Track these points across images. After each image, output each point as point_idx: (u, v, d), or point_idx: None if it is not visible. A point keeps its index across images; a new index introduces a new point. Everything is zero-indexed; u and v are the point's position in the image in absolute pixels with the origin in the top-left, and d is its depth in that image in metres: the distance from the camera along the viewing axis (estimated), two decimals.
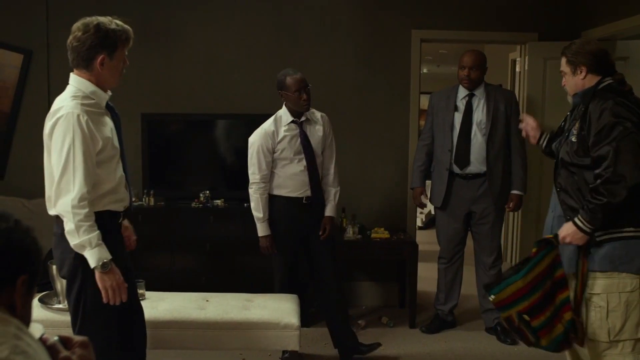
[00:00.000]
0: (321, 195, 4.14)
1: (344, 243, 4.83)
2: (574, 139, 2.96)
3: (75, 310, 2.75)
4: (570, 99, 3.13)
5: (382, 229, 5.00)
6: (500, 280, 2.94)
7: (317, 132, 4.09)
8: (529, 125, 3.39)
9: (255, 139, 4.00)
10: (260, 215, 4.00)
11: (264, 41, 5.25)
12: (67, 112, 2.57)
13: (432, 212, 9.27)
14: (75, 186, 2.56)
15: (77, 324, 2.75)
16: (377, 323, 4.92)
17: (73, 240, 2.57)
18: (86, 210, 2.56)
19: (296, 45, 5.24)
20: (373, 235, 4.93)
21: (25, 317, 1.31)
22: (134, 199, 4.90)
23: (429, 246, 7.37)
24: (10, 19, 5.17)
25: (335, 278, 4.16)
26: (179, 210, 5.02)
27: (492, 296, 2.91)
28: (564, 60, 3.09)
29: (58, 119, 2.58)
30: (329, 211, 4.16)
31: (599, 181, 2.82)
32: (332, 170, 4.17)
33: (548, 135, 3.33)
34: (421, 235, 6.94)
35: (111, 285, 2.61)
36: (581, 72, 3.00)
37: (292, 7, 5.25)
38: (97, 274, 2.60)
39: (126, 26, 2.73)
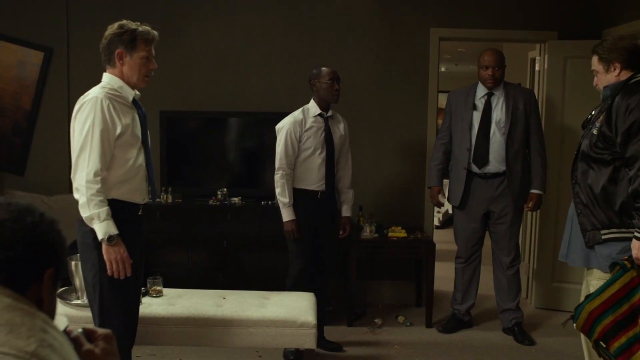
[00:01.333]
0: (333, 192, 4.27)
1: (361, 242, 4.82)
2: (595, 131, 2.94)
3: (93, 296, 2.89)
4: (601, 97, 3.10)
5: (399, 227, 4.98)
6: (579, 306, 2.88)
7: (339, 130, 4.28)
8: None
9: (284, 125, 4.13)
10: (286, 200, 4.09)
11: (281, 40, 5.25)
12: (91, 97, 2.81)
13: (450, 212, 9.25)
14: (90, 162, 2.74)
15: (97, 309, 2.89)
16: (393, 322, 4.91)
17: (84, 213, 2.75)
18: (99, 185, 2.74)
19: (314, 44, 5.24)
20: (390, 234, 4.91)
21: (50, 311, 1.32)
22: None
23: (446, 245, 7.34)
24: (31, 17, 5.22)
25: (329, 276, 4.38)
26: (196, 207, 5.04)
27: (574, 324, 2.85)
28: (595, 58, 3.04)
29: (83, 103, 2.81)
30: (347, 211, 4.38)
31: (636, 183, 2.79)
32: (349, 173, 4.38)
33: None
34: (438, 234, 6.90)
35: (115, 258, 2.77)
36: (615, 69, 2.97)
37: (310, 6, 5.24)
38: (103, 246, 2.77)
39: (151, 30, 2.93)
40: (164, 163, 5.15)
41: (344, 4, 5.25)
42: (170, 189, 5.05)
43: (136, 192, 2.95)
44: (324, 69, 4.17)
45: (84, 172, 2.74)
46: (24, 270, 1.27)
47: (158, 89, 5.18)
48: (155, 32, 2.95)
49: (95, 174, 2.73)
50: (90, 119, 2.76)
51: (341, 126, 4.31)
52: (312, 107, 4.18)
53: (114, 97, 2.83)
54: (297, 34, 5.26)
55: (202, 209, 5.01)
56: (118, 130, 2.81)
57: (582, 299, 3.20)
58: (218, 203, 5.00)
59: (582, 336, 3.18)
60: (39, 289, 1.29)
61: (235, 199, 5.03)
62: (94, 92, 2.83)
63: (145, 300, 3.57)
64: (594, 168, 2.97)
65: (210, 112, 5.24)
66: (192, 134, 5.36)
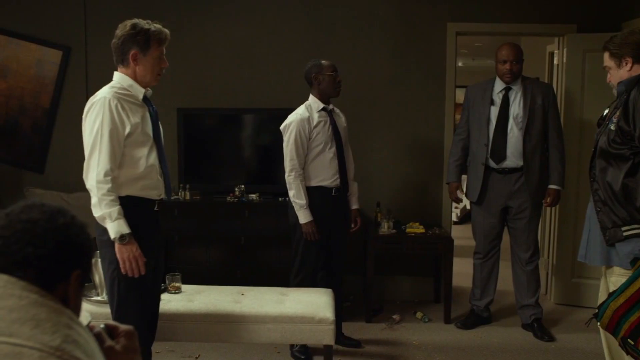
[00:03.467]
0: (347, 186, 4.24)
1: (379, 238, 4.81)
2: (612, 127, 2.91)
3: (111, 291, 2.95)
4: (616, 93, 3.07)
5: (417, 223, 4.97)
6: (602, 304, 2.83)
7: (342, 122, 4.26)
8: None
9: (291, 126, 4.04)
10: (303, 202, 4.01)
11: (298, 36, 5.25)
12: (100, 97, 2.83)
13: (468, 207, 9.20)
14: (100, 163, 2.77)
15: (114, 305, 2.94)
16: (411, 318, 4.90)
17: (96, 213, 2.79)
18: (109, 185, 2.78)
19: (331, 39, 5.23)
20: (408, 230, 4.90)
21: (76, 310, 1.35)
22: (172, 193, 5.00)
23: (464, 241, 7.30)
24: (49, 16, 5.27)
25: (341, 272, 4.35)
26: (215, 204, 5.06)
27: (599, 322, 2.82)
28: (606, 54, 3.02)
29: (93, 104, 2.84)
30: (355, 204, 4.36)
31: None
32: (352, 165, 4.35)
33: None
34: (456, 230, 6.88)
35: (128, 257, 2.81)
36: (627, 63, 2.94)
37: (326, 2, 5.23)
38: (115, 246, 2.81)
39: (163, 29, 2.94)
40: (181, 160, 5.17)
41: (360, 0, 5.23)
42: (188, 186, 5.07)
43: (150, 189, 2.97)
44: (324, 61, 4.10)
45: (95, 172, 2.78)
46: (53, 269, 1.30)
47: (175, 87, 5.22)
48: (167, 31, 2.96)
49: (106, 174, 2.76)
50: (99, 119, 2.79)
51: (342, 119, 4.27)
52: (314, 103, 4.11)
53: (123, 96, 2.86)
54: (313, 31, 5.25)
55: (220, 206, 5.03)
56: (127, 130, 2.83)
57: (600, 296, 3.18)
58: (236, 200, 5.02)
59: (602, 332, 3.15)
60: (65, 288, 1.32)
61: (253, 196, 5.04)
62: (103, 92, 2.86)
63: (164, 296, 3.59)
64: (612, 164, 2.93)
65: (228, 108, 5.25)
66: (210, 130, 5.38)
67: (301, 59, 5.07)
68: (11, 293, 1.22)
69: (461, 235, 7.42)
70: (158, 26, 2.93)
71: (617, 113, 2.92)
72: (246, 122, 5.34)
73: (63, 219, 1.33)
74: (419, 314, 4.91)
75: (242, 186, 5.05)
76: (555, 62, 5.46)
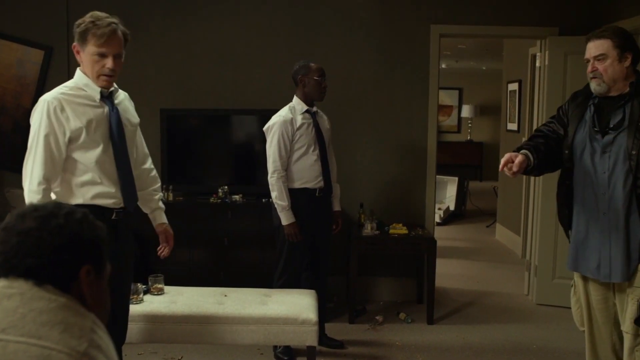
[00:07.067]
0: (330, 187, 4.24)
1: (362, 238, 4.82)
2: None
3: None
4: (596, 87, 2.96)
5: (400, 224, 4.98)
6: None
7: (325, 124, 4.26)
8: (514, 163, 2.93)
9: (274, 127, 4.04)
10: (285, 203, 4.01)
11: (282, 37, 5.25)
12: (40, 100, 2.67)
13: (451, 208, 9.26)
14: (34, 170, 2.63)
15: None
16: (394, 318, 4.91)
17: None
18: (40, 196, 2.60)
19: (315, 41, 5.24)
20: (391, 231, 4.92)
21: (96, 305, 1.36)
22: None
23: (447, 242, 7.35)
24: (31, 15, 5.22)
25: (326, 273, 4.37)
26: (198, 205, 5.05)
27: None
28: (609, 43, 2.93)
29: (36, 105, 2.68)
30: (337, 206, 4.39)
31: None
32: (335, 167, 4.35)
33: (528, 152, 2.95)
34: (439, 231, 6.91)
35: None
36: (626, 59, 2.91)
37: (311, 3, 5.24)
38: None
39: (111, 26, 2.65)
40: (164, 161, 5.15)
41: (345, 2, 5.24)
42: (171, 187, 5.05)
43: (104, 197, 2.75)
44: (312, 64, 4.09)
45: (27, 180, 2.63)
46: (58, 273, 1.31)
47: (158, 87, 5.20)
48: (114, 28, 2.66)
49: (39, 184, 2.60)
50: (37, 123, 2.63)
51: (326, 121, 4.27)
52: (298, 105, 4.10)
53: (71, 97, 2.66)
54: (298, 32, 5.25)
55: (203, 207, 5.02)
56: (67, 135, 2.64)
57: (575, 300, 3.16)
58: (219, 201, 5.01)
59: (586, 331, 3.17)
60: (79, 286, 1.33)
61: (236, 197, 5.03)
62: (49, 94, 2.68)
63: (147, 298, 3.58)
64: None
65: (211, 109, 5.24)
66: (193, 131, 5.37)
67: (285, 61, 5.08)
68: (41, 295, 1.26)
69: (444, 237, 7.46)
70: (109, 21, 2.65)
71: None
72: (230, 123, 5.33)
73: (55, 220, 1.32)
74: (401, 315, 4.93)
75: (226, 187, 5.04)
76: (537, 64, 5.51)
